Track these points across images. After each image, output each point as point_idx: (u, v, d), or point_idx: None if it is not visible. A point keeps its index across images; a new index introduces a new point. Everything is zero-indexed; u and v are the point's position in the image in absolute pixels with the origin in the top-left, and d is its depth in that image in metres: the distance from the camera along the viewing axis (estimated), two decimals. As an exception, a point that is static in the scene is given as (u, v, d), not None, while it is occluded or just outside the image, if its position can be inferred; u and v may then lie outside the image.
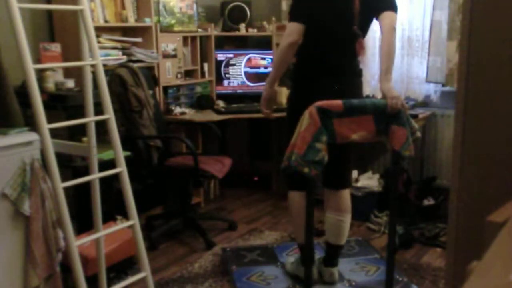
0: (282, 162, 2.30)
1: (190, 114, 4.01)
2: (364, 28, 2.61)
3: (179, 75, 4.08)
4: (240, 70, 4.44)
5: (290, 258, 3.04)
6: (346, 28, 2.52)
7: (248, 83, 4.46)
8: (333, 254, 2.82)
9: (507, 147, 1.39)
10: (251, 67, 4.45)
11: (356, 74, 2.66)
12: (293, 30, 2.50)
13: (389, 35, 2.49)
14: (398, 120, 2.25)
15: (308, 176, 2.16)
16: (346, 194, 2.78)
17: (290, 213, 2.82)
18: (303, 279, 2.46)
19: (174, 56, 4.01)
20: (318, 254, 3.00)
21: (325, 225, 2.81)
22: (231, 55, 4.40)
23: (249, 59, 4.44)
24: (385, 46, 2.50)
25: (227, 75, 4.42)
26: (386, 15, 2.51)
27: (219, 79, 4.40)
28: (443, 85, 3.79)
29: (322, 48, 2.58)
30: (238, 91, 4.47)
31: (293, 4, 2.58)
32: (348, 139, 2.25)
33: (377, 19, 2.57)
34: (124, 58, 3.51)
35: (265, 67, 4.44)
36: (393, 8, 2.53)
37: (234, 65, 4.42)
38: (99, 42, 3.28)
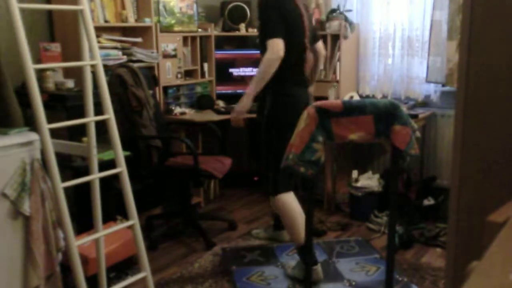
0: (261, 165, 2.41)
1: (190, 114, 4.01)
2: (311, 42, 2.92)
3: (179, 75, 4.07)
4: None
5: (291, 261, 3.03)
6: (301, 42, 2.81)
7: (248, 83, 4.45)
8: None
9: (507, 147, 1.39)
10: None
11: (308, 84, 2.97)
12: (281, 46, 2.66)
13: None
14: (400, 120, 2.25)
15: (304, 175, 2.17)
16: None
17: (286, 216, 2.83)
18: (303, 279, 2.46)
19: (174, 56, 4.01)
20: (318, 255, 3.00)
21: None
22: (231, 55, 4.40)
23: (249, 59, 4.43)
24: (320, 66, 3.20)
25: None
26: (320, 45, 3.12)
27: (219, 79, 4.40)
28: (443, 85, 3.79)
29: (293, 62, 2.78)
30: (238, 91, 4.46)
31: (270, 20, 2.69)
32: (346, 139, 2.25)
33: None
34: (124, 58, 3.51)
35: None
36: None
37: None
38: (99, 42, 3.28)
